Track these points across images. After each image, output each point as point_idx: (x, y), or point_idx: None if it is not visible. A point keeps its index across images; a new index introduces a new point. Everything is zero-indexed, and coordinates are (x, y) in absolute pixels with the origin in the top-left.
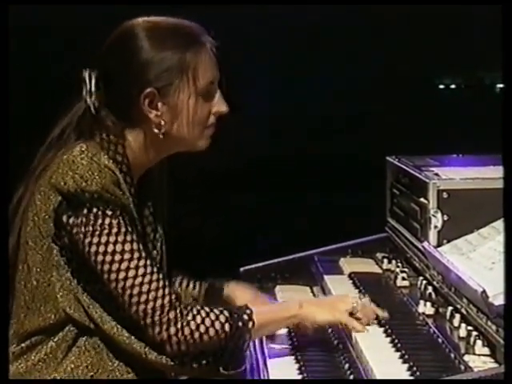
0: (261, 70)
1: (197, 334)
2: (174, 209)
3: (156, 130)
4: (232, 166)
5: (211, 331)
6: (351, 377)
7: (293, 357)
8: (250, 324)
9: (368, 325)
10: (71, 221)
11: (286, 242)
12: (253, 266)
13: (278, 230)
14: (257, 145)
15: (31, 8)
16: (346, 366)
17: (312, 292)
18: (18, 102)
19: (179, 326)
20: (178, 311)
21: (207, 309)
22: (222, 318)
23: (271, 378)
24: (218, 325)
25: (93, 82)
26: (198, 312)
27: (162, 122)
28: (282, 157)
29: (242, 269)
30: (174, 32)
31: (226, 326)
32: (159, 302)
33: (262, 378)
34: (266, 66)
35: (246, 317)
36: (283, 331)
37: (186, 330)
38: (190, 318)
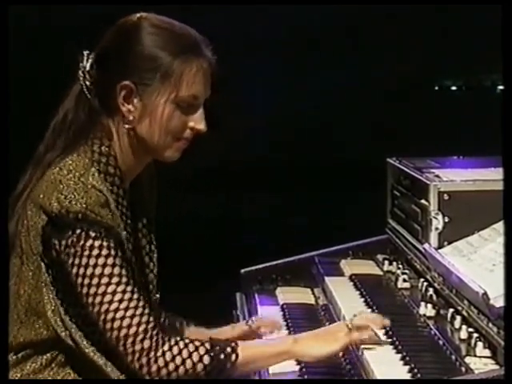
0: (260, 70)
1: (171, 366)
2: (173, 211)
3: (126, 126)
4: (232, 166)
5: (188, 363)
6: (352, 379)
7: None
8: (233, 357)
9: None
10: (56, 241)
11: (286, 244)
12: (253, 267)
13: (279, 232)
14: (257, 145)
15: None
16: (347, 367)
17: (313, 294)
18: (18, 101)
19: (152, 355)
20: (153, 340)
21: (187, 340)
22: (202, 350)
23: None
24: (195, 356)
25: (89, 62)
26: (176, 343)
27: (131, 118)
28: (283, 158)
29: (242, 271)
30: (172, 35)
31: (205, 359)
32: (133, 329)
33: (262, 378)
34: (266, 66)
35: (229, 349)
36: (284, 333)
37: (160, 361)
38: (166, 348)
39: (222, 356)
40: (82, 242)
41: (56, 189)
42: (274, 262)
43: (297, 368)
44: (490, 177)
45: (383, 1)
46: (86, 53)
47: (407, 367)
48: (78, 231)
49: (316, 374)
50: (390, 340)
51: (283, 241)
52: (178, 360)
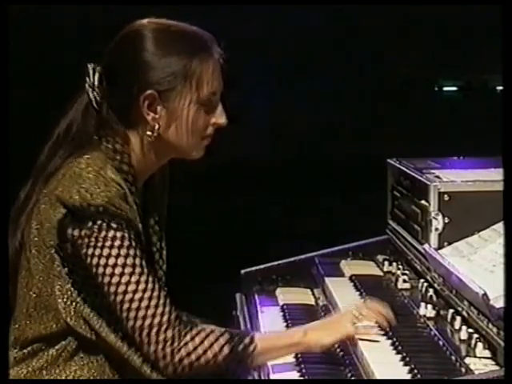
0: (261, 70)
1: (194, 356)
2: (172, 211)
3: (149, 132)
4: (233, 167)
5: (209, 353)
6: (352, 379)
7: (294, 358)
8: (252, 347)
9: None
10: (75, 233)
11: (286, 244)
12: (253, 268)
13: (279, 232)
14: (257, 146)
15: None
16: (348, 368)
17: (313, 294)
18: (18, 100)
19: (176, 345)
20: (176, 331)
21: (208, 330)
22: (222, 340)
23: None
24: (217, 346)
25: (96, 75)
26: (198, 333)
27: (157, 126)
28: (283, 159)
29: (242, 271)
30: (183, 37)
31: (226, 348)
32: (157, 319)
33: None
34: (266, 67)
35: (247, 340)
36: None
37: (183, 351)
38: (188, 338)
39: (242, 346)
40: (103, 233)
41: (76, 182)
42: (275, 263)
43: (297, 368)
44: (490, 177)
45: (383, 1)
46: (91, 66)
47: (407, 368)
48: (99, 222)
49: (316, 375)
50: (390, 340)
51: (283, 241)
52: (201, 350)
